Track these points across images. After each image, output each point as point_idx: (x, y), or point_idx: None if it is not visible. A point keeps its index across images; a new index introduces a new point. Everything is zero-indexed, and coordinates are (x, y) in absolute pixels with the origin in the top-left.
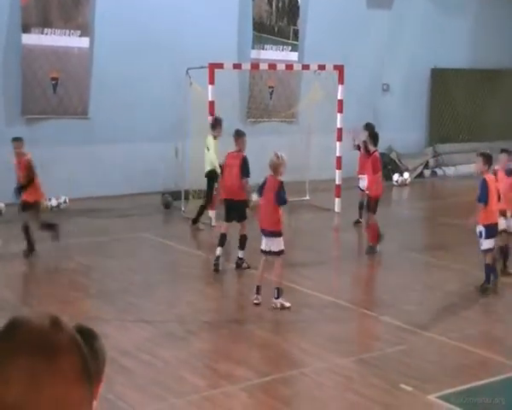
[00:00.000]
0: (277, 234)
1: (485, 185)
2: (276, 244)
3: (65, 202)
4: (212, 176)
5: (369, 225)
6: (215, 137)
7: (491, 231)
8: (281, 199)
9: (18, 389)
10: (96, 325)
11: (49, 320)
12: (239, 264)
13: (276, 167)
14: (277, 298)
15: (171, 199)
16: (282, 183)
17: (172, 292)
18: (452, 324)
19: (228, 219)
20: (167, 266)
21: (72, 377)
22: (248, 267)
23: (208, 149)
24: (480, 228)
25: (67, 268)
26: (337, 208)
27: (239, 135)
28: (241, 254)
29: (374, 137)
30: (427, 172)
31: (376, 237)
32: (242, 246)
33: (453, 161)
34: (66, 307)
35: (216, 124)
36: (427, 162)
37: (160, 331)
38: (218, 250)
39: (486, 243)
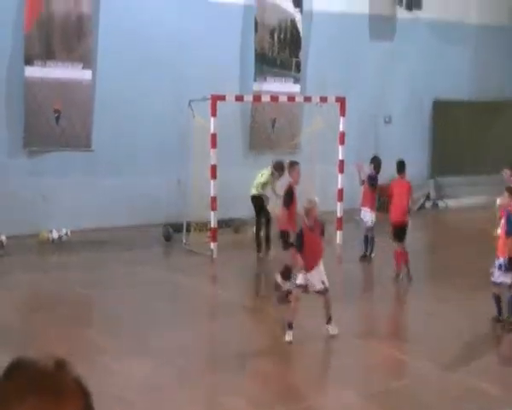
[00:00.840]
0: None
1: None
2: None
3: (66, 234)
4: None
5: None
6: (273, 174)
7: None
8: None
9: None
10: (96, 355)
11: (54, 362)
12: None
13: (307, 212)
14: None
15: (171, 231)
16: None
17: (174, 323)
18: (458, 357)
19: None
20: (168, 297)
21: None
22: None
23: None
24: (501, 261)
25: (69, 300)
26: (339, 240)
27: (291, 165)
28: (284, 284)
29: (397, 165)
30: (428, 204)
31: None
32: (286, 276)
33: (455, 193)
34: (68, 341)
35: (279, 168)
36: (429, 194)
37: (162, 364)
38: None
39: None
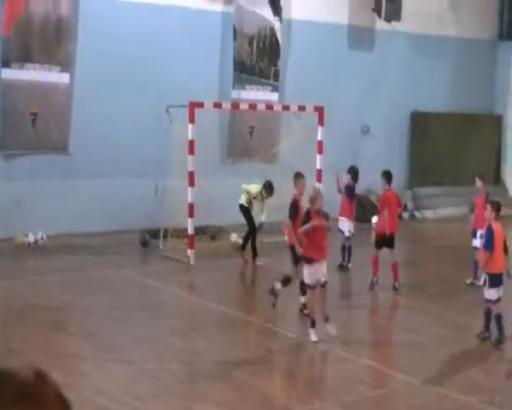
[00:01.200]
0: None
1: (491, 233)
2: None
3: (42, 238)
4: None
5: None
6: (261, 197)
7: (495, 280)
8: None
9: None
10: (75, 363)
11: (34, 373)
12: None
13: (313, 200)
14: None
15: (148, 237)
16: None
17: (151, 331)
18: (433, 369)
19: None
20: (146, 304)
21: None
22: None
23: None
24: (484, 276)
25: (45, 305)
26: None
27: (297, 176)
28: (303, 299)
29: (388, 176)
30: (405, 215)
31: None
32: (303, 292)
33: (433, 204)
34: (45, 346)
35: (268, 189)
36: (406, 205)
37: (138, 371)
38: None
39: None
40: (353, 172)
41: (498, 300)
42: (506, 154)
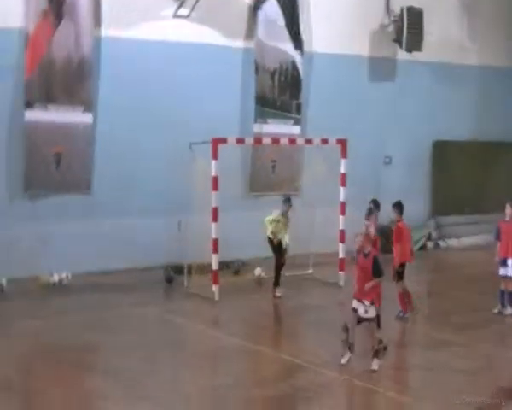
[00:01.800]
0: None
1: None
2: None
3: (67, 277)
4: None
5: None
6: (284, 215)
7: None
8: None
9: None
10: (101, 403)
11: None
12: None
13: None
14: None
15: (173, 273)
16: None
17: (177, 369)
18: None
19: None
20: (171, 342)
21: None
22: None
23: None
24: None
25: (71, 345)
26: (341, 282)
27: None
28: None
29: (399, 207)
30: (430, 244)
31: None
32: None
33: (456, 232)
34: (72, 386)
35: (286, 202)
36: (430, 234)
37: None
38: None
39: None
40: (376, 204)
41: None
42: None
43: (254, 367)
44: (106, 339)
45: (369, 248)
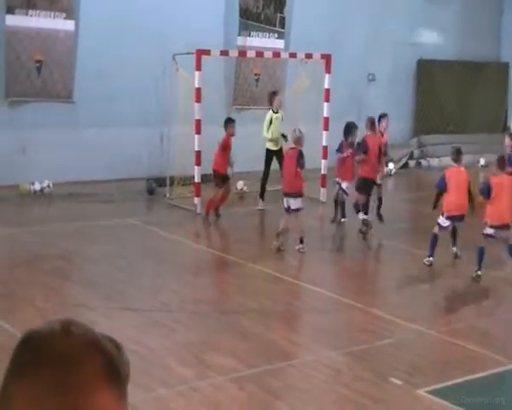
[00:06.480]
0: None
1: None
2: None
3: (48, 186)
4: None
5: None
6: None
7: None
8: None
9: (48, 402)
10: (81, 312)
11: (60, 328)
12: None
13: (297, 141)
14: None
15: (155, 185)
16: (301, 151)
17: (158, 279)
18: (441, 317)
19: None
20: (152, 252)
21: (91, 384)
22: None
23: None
24: None
25: (51, 254)
26: (322, 198)
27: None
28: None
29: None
30: (411, 163)
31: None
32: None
33: (438, 152)
34: (51, 295)
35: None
36: (412, 153)
37: (145, 320)
38: None
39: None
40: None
41: None
42: None
43: (233, 279)
44: (86, 249)
45: None
